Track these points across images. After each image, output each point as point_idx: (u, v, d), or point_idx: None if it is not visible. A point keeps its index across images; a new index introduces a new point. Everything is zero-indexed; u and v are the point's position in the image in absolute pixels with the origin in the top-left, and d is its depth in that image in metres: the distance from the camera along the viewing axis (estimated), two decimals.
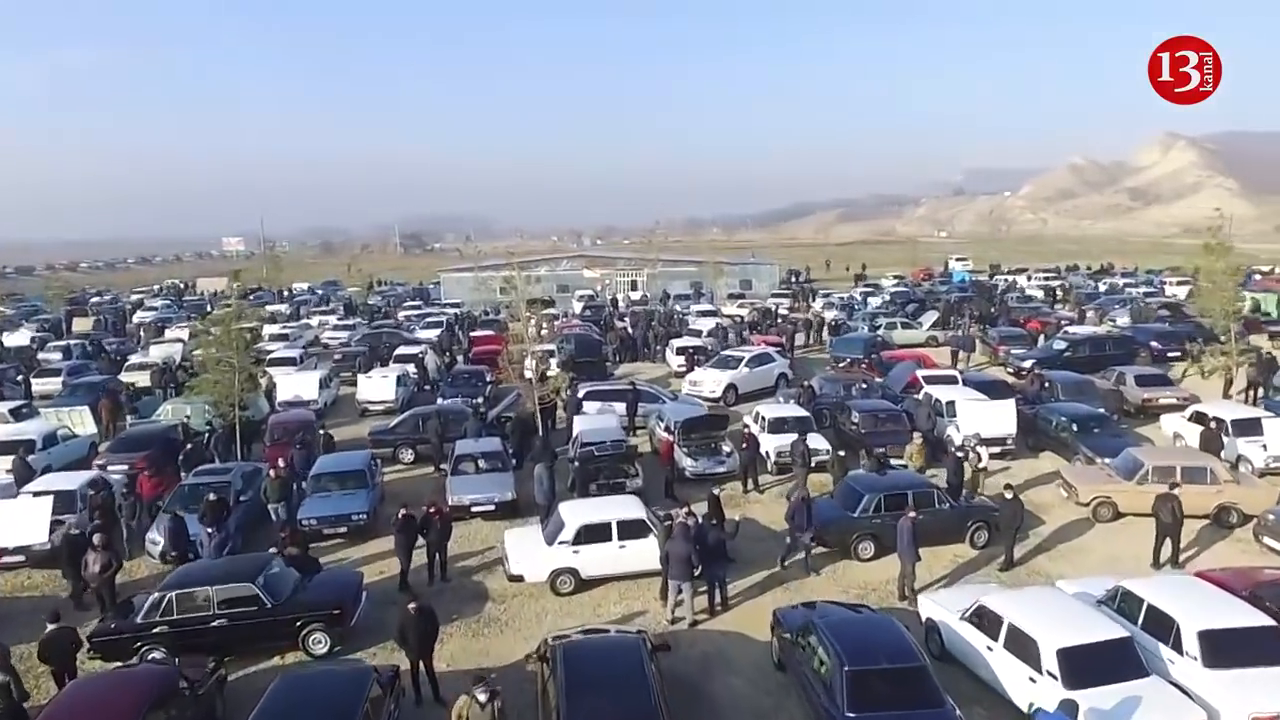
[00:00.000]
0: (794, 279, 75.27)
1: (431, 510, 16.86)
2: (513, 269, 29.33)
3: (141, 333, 48.75)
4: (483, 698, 10.13)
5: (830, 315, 47.77)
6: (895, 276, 74.59)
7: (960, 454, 20.25)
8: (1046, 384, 27.26)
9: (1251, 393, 27.98)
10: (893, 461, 21.37)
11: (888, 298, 56.36)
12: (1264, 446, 21.28)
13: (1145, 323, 41.42)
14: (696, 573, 15.01)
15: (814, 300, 56.69)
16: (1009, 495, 17.08)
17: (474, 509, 19.78)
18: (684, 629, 14.77)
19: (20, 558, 17.56)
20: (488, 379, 30.67)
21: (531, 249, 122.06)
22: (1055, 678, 11.12)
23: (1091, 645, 11.32)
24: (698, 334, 39.79)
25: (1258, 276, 60.85)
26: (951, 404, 24.16)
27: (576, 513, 16.82)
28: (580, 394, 27.22)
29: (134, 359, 37.46)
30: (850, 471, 19.98)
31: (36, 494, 18.64)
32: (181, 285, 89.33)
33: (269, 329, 44.27)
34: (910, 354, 33.73)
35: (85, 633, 13.70)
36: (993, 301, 51.63)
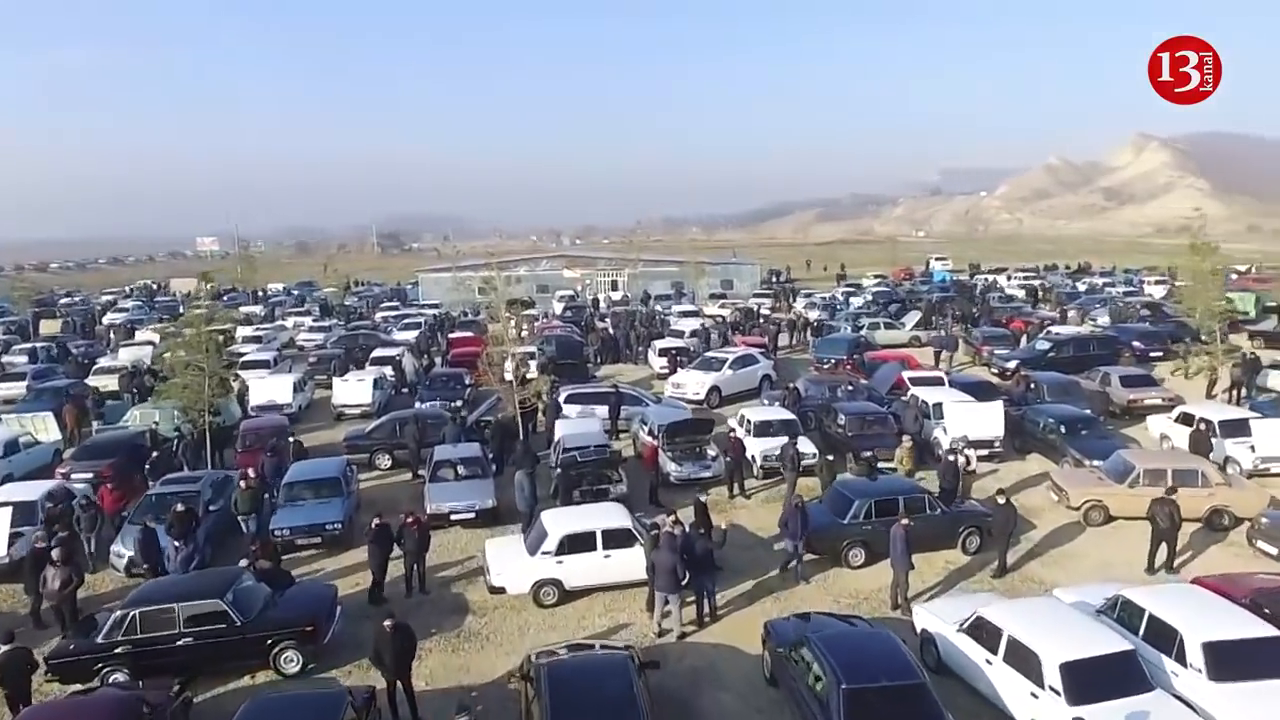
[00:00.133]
0: (775, 279, 75.09)
1: (409, 520, 16.27)
2: (492, 269, 28.79)
3: (111, 335, 47.66)
4: None
5: (813, 315, 47.49)
6: (876, 276, 74.56)
7: (953, 457, 19.90)
8: (1032, 385, 27.08)
9: (1235, 393, 27.95)
10: (882, 465, 21.03)
11: (869, 298, 56.20)
12: (1252, 448, 21.13)
13: (1125, 322, 41.48)
14: (684, 583, 14.55)
15: (795, 300, 56.45)
16: (1002, 501, 16.76)
17: (453, 517, 19.21)
18: (672, 642, 14.32)
19: None
20: (467, 382, 30.08)
21: (510, 249, 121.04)
22: (1058, 693, 10.75)
23: (1095, 659, 10.95)
24: (680, 335, 39.35)
25: (1234, 276, 61.35)
26: (939, 406, 23.85)
27: (560, 521, 16.30)
28: (561, 397, 26.70)
29: (102, 362, 36.51)
30: (839, 476, 19.60)
31: None
32: (154, 286, 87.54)
33: (242, 331, 43.35)
34: (895, 355, 33.45)
35: (45, 653, 13.05)
36: (974, 301, 51.62)
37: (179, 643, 12.98)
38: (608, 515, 16.66)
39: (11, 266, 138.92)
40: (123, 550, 17.16)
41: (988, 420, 22.98)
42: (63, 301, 71.02)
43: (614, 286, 67.27)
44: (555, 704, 10.42)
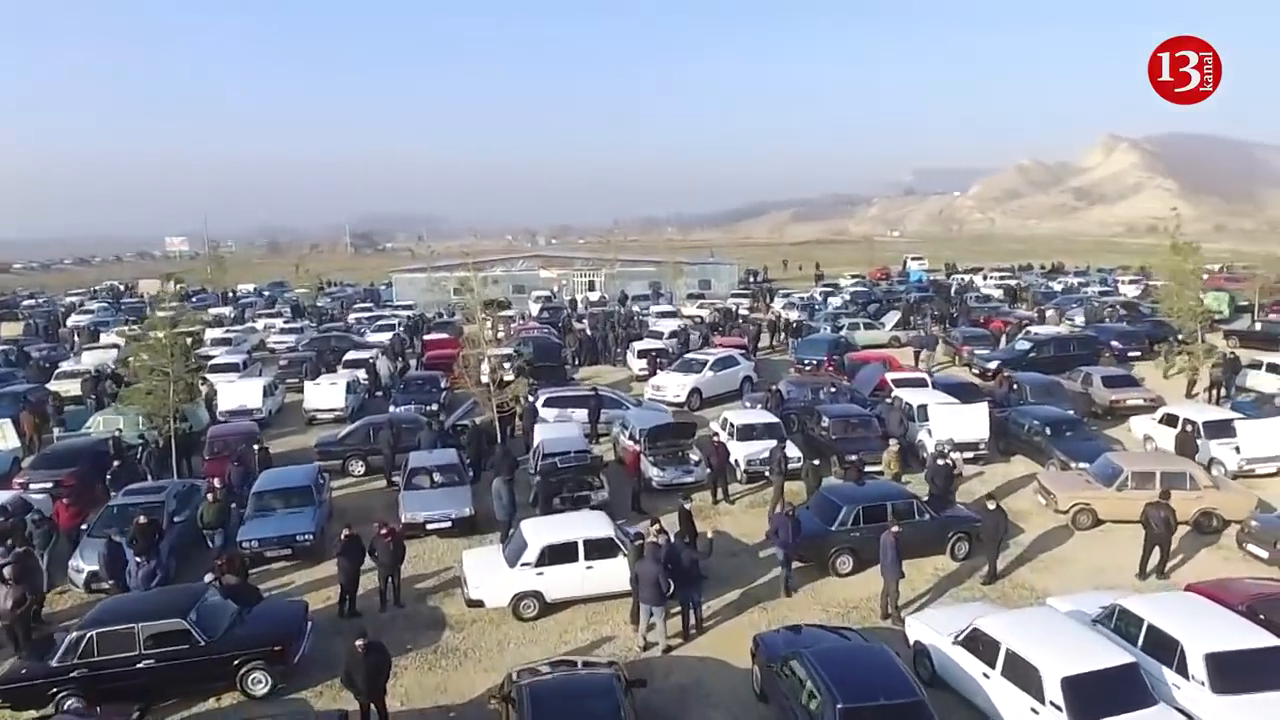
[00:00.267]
0: (752, 279, 74.87)
1: (383, 531, 15.64)
2: (467, 269, 28.14)
3: (75, 338, 46.44)
4: None
5: (792, 316, 47.20)
6: (854, 276, 74.54)
7: (943, 461, 19.57)
8: (1015, 386, 26.91)
9: (1214, 392, 27.93)
10: (869, 469, 20.66)
11: (848, 298, 56.06)
12: (1237, 449, 21.02)
13: (1101, 322, 41.55)
14: (669, 594, 14.08)
15: (773, 300, 56.17)
16: (991, 506, 16.46)
17: (429, 526, 18.60)
18: (657, 656, 13.86)
19: None
20: (443, 385, 29.38)
21: (485, 249, 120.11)
22: (1059, 709, 10.38)
23: (1098, 673, 10.59)
24: (660, 336, 38.84)
25: (1206, 275, 61.78)
26: (924, 408, 23.56)
27: (540, 531, 15.77)
28: (539, 400, 26.12)
29: (65, 366, 35.43)
30: (825, 481, 19.20)
31: None
32: (121, 287, 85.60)
33: (212, 333, 42.34)
34: (876, 355, 33.16)
35: None
36: (951, 301, 51.60)
37: (139, 665, 12.34)
38: (589, 524, 16.16)
39: None
40: (82, 565, 16.41)
41: (973, 422, 22.72)
42: (25, 303, 69.32)
43: (591, 287, 66.66)
44: None
